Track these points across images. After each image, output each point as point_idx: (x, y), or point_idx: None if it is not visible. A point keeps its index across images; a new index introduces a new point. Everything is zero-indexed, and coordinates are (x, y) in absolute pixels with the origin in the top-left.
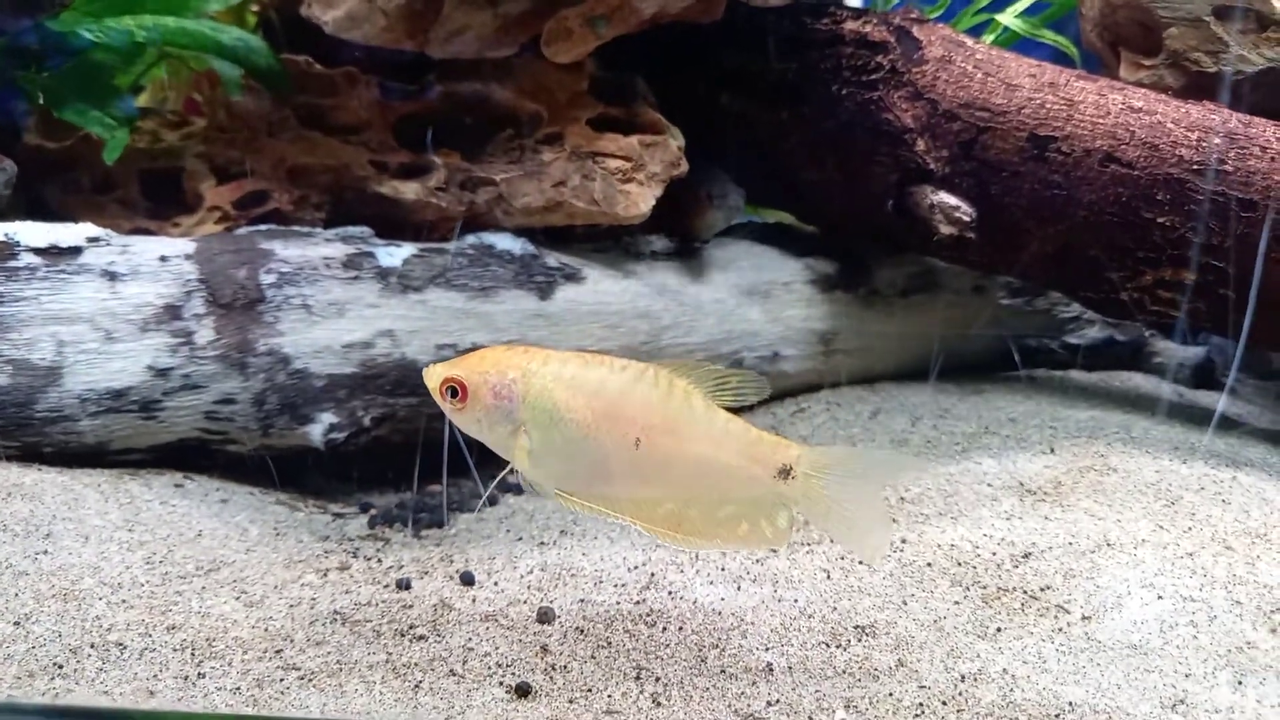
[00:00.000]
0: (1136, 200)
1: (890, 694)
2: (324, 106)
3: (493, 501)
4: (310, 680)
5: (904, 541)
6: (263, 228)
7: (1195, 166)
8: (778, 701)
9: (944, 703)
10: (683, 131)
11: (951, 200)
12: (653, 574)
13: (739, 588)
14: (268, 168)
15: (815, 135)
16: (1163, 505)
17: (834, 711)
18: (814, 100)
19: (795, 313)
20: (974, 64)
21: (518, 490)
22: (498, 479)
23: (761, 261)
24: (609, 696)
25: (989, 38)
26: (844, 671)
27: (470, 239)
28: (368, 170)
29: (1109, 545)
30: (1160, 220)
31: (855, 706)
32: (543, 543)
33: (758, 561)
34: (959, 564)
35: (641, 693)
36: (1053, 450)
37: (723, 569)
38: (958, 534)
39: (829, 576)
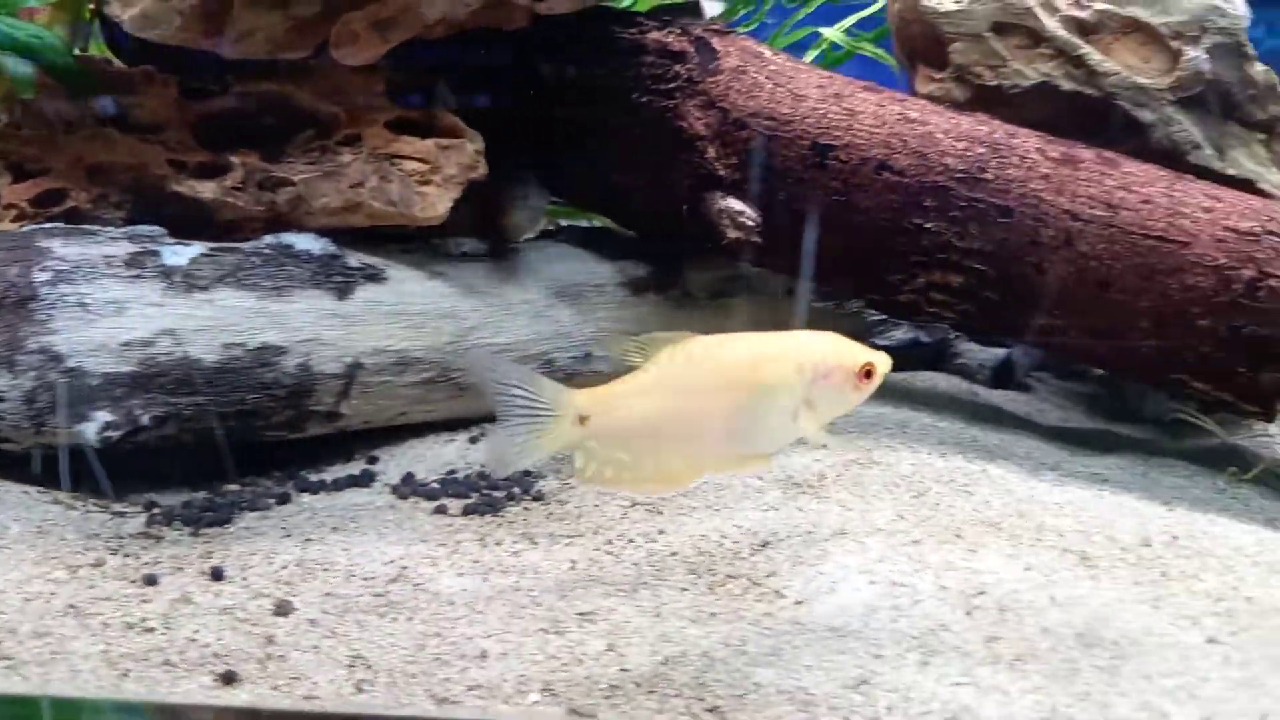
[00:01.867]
0: (907, 207)
1: (588, 676)
2: (123, 105)
3: (283, 500)
4: (16, 669)
5: (661, 533)
6: (46, 225)
7: (959, 174)
8: (479, 686)
9: (638, 684)
10: (496, 134)
11: (738, 206)
12: (405, 568)
13: (486, 579)
14: (65, 166)
15: (621, 142)
16: (911, 496)
17: (529, 694)
18: (619, 108)
19: (607, 314)
20: (767, 74)
21: (315, 489)
22: None
23: (575, 264)
24: (313, 683)
25: (814, 52)
26: (552, 656)
27: (268, 239)
28: (166, 169)
29: (844, 534)
30: (928, 226)
31: (551, 689)
32: (309, 539)
33: (515, 555)
34: (701, 553)
35: (349, 679)
36: (826, 445)
37: (477, 560)
38: (711, 525)
39: (574, 566)
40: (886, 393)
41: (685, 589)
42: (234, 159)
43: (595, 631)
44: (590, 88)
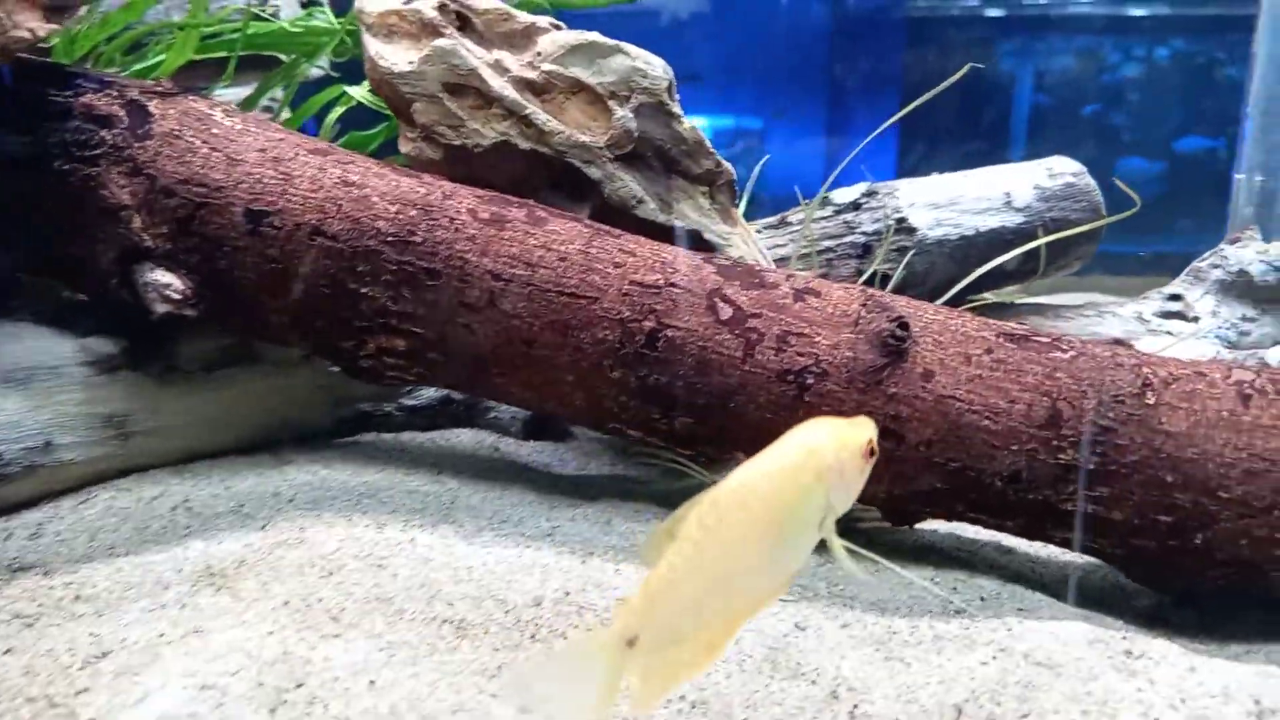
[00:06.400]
0: (343, 273)
1: None
2: None
3: None
4: None
5: (8, 652)
6: None
7: (390, 238)
8: None
9: None
10: None
11: (164, 278)
12: None
13: None
14: None
15: (52, 213)
16: (319, 577)
17: None
18: (44, 176)
19: (70, 397)
20: (205, 138)
21: None
22: None
23: (24, 345)
24: None
25: (341, 110)
26: None
27: None
28: None
29: (200, 632)
30: (364, 291)
31: None
32: None
33: None
34: (29, 673)
35: None
36: (265, 527)
37: None
38: (70, 636)
39: None
40: (395, 456)
41: None
42: None
43: None
44: (13, 155)
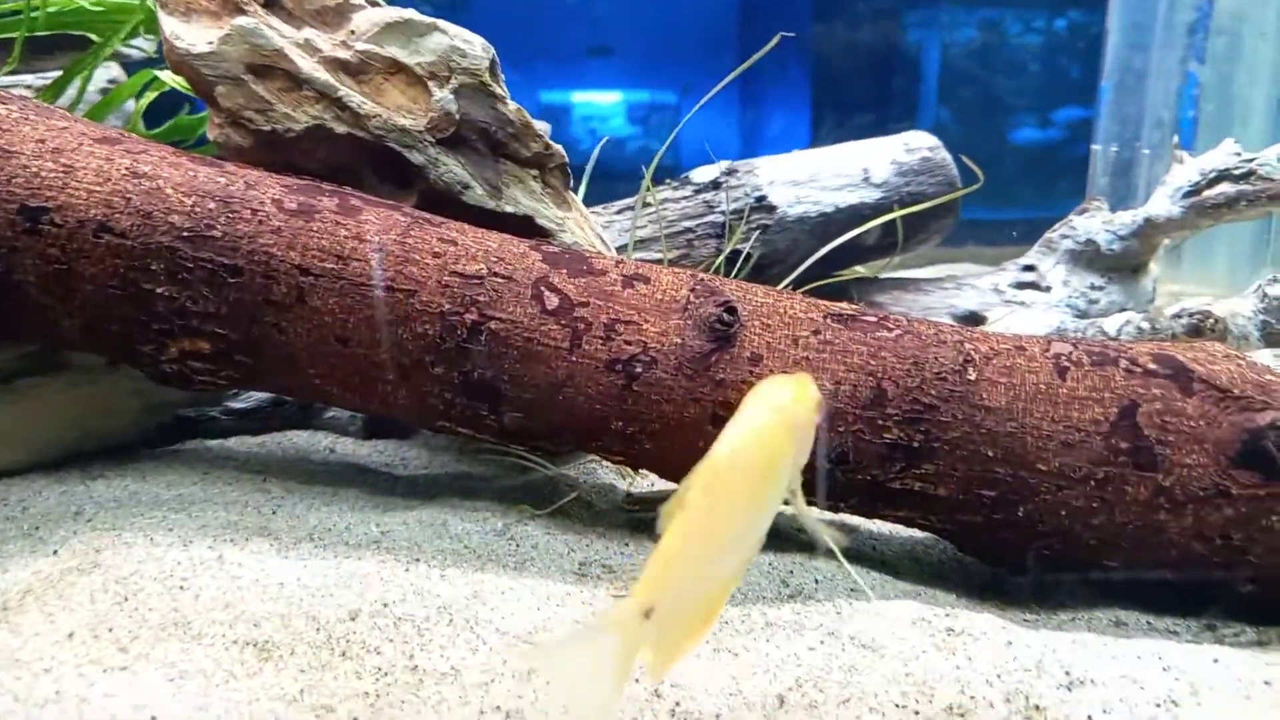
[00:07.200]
0: (134, 272)
1: None
2: None
3: None
4: None
5: None
6: None
7: (185, 233)
8: None
9: None
10: None
11: None
12: None
13: None
14: None
15: None
16: (113, 603)
17: None
18: None
19: None
20: None
21: None
22: None
23: None
24: None
25: (153, 95)
26: None
27: None
28: None
29: None
30: (159, 291)
31: None
32: None
33: None
34: None
35: None
36: (58, 551)
37: None
38: None
39: None
40: (218, 464)
41: None
42: None
43: None
44: None
